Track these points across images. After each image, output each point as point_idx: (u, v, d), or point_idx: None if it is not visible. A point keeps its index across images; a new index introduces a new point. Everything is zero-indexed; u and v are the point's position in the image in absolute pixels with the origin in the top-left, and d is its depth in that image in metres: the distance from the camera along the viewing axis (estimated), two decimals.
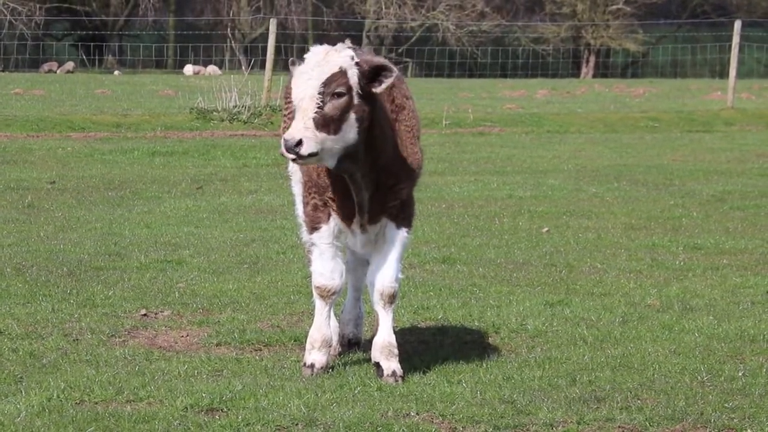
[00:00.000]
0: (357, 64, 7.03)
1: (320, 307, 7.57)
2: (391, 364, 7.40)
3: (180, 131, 25.60)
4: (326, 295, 7.52)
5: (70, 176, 18.03)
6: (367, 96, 7.06)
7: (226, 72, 45.69)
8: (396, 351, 7.44)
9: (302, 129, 6.88)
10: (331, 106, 6.95)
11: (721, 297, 10.02)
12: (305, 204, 7.54)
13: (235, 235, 12.97)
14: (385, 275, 7.41)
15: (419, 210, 14.46)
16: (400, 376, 7.37)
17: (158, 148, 22.01)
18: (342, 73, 6.98)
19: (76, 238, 12.52)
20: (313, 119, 6.90)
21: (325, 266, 7.48)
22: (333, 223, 7.45)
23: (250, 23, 62.38)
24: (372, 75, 7.05)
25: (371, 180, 7.25)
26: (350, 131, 7.01)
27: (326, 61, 7.01)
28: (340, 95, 6.97)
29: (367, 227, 7.40)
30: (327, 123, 6.93)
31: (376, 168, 7.23)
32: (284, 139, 6.89)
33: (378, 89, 7.07)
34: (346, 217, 7.41)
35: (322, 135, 6.92)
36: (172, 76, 50.57)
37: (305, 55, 7.12)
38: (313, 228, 7.48)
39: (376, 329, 7.54)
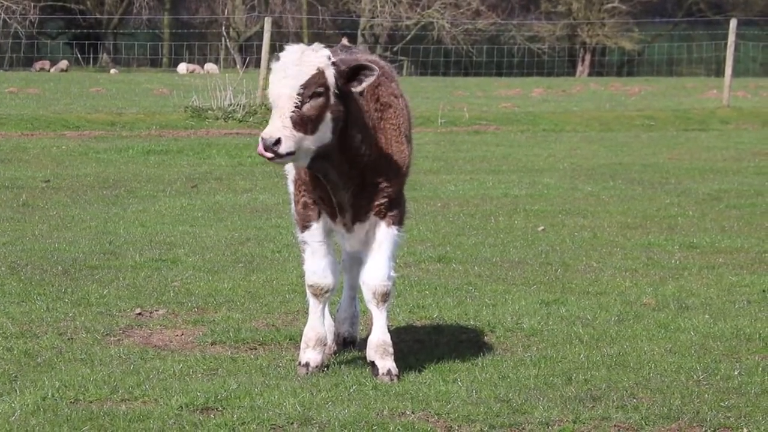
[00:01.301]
0: (334, 64, 7.04)
1: (314, 306, 7.57)
2: (386, 363, 7.39)
3: (175, 130, 25.57)
4: (320, 293, 7.52)
5: (65, 175, 18.01)
6: (343, 96, 7.07)
7: (222, 70, 45.66)
8: (391, 350, 7.43)
9: (281, 128, 6.89)
10: (309, 106, 6.95)
11: (716, 296, 10.01)
12: (296, 202, 7.55)
13: (230, 234, 12.96)
14: (377, 274, 7.39)
15: (415, 209, 14.51)
16: (396, 375, 7.37)
17: (153, 146, 21.99)
18: (320, 73, 6.99)
19: (71, 237, 12.50)
20: (291, 118, 6.91)
21: (318, 264, 7.48)
22: (324, 221, 7.45)
23: (245, 22, 62.37)
24: (350, 75, 7.06)
25: (351, 179, 7.24)
26: (326, 131, 7.02)
27: (303, 60, 7.01)
28: (318, 95, 6.98)
29: (353, 226, 7.40)
30: (304, 122, 6.94)
31: (356, 167, 7.22)
32: (262, 138, 6.89)
33: (358, 89, 7.08)
34: (332, 216, 7.41)
35: (299, 134, 6.92)
36: (167, 74, 50.56)
37: (280, 54, 7.11)
38: (304, 226, 7.48)
39: (370, 328, 7.54)
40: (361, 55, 7.69)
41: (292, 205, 7.80)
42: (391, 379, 7.33)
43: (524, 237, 13.02)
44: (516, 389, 7.08)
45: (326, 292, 7.52)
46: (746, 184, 18.08)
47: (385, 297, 7.42)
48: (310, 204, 7.44)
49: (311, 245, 7.49)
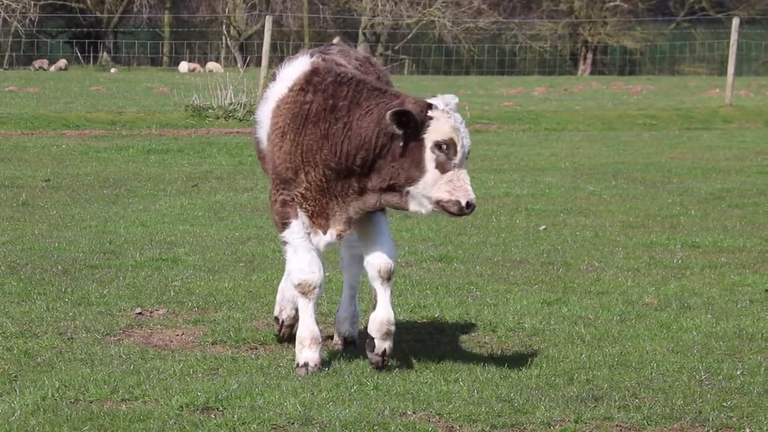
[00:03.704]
0: None
1: (304, 305, 7.53)
2: (383, 344, 7.45)
3: (175, 129, 25.54)
4: (308, 290, 7.48)
5: (65, 174, 17.98)
6: None
7: (223, 69, 45.61)
8: (393, 329, 7.48)
9: None
10: None
11: (719, 295, 9.98)
12: (273, 201, 7.53)
13: (230, 233, 12.93)
14: (384, 252, 7.46)
15: None
16: (390, 356, 7.44)
17: (153, 145, 21.96)
18: None
19: (71, 237, 12.48)
20: None
21: (303, 260, 7.46)
22: (303, 218, 7.43)
23: (246, 20, 62.34)
24: None
25: None
26: None
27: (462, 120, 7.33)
28: None
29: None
30: None
31: None
32: (469, 203, 7.21)
33: None
34: (319, 221, 7.42)
35: None
36: (167, 73, 50.54)
37: (450, 109, 7.22)
38: (284, 224, 7.48)
39: (374, 305, 7.53)
40: (356, 53, 7.76)
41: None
42: (383, 360, 7.36)
43: (526, 236, 12.99)
44: (518, 389, 7.06)
45: (314, 288, 7.48)
46: (749, 183, 18.05)
47: (389, 275, 7.46)
48: (288, 201, 7.44)
49: (293, 243, 7.47)
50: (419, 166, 7.18)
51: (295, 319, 8.00)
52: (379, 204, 7.35)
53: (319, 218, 7.42)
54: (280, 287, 8.22)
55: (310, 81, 7.40)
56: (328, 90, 7.33)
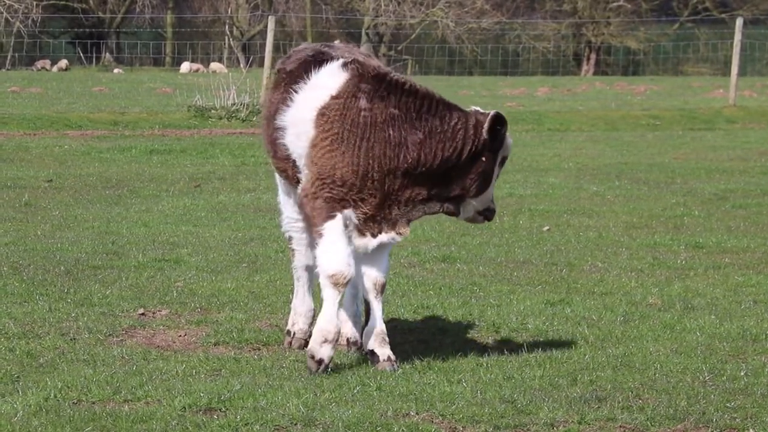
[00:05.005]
0: None
1: (333, 297, 7.44)
2: (385, 351, 7.51)
3: (178, 129, 25.53)
4: (342, 282, 7.42)
5: (68, 174, 17.97)
6: None
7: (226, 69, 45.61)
8: (387, 338, 7.56)
9: None
10: None
11: (723, 296, 9.97)
12: (313, 197, 7.42)
13: (233, 234, 12.92)
14: (381, 266, 7.54)
15: None
16: (395, 361, 7.47)
17: (156, 146, 21.95)
18: None
19: (74, 237, 12.47)
20: None
21: (342, 253, 7.39)
22: (347, 212, 7.41)
23: (249, 21, 62.35)
24: None
25: None
26: None
27: None
28: None
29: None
30: None
31: None
32: None
33: None
34: (370, 225, 7.43)
35: None
36: (170, 73, 50.58)
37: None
38: (328, 217, 7.39)
39: (368, 318, 7.63)
40: (358, 50, 7.79)
41: (289, 207, 7.87)
42: (392, 365, 7.42)
43: (529, 237, 12.97)
44: (521, 390, 7.04)
45: (348, 281, 7.46)
46: (753, 183, 18.02)
47: (383, 288, 7.57)
48: (336, 197, 7.39)
49: (333, 234, 7.38)
50: (489, 179, 7.44)
51: (307, 333, 8.06)
52: (441, 210, 7.57)
53: (371, 222, 7.42)
54: (293, 304, 8.26)
55: (359, 88, 7.35)
56: (391, 98, 7.34)
